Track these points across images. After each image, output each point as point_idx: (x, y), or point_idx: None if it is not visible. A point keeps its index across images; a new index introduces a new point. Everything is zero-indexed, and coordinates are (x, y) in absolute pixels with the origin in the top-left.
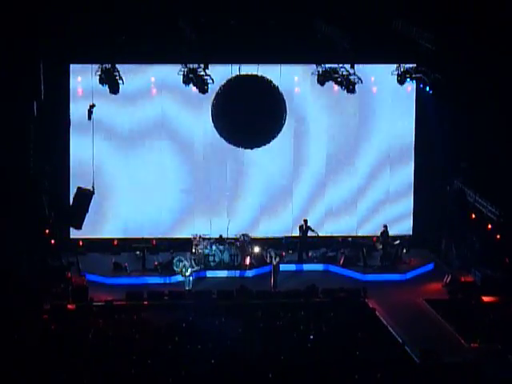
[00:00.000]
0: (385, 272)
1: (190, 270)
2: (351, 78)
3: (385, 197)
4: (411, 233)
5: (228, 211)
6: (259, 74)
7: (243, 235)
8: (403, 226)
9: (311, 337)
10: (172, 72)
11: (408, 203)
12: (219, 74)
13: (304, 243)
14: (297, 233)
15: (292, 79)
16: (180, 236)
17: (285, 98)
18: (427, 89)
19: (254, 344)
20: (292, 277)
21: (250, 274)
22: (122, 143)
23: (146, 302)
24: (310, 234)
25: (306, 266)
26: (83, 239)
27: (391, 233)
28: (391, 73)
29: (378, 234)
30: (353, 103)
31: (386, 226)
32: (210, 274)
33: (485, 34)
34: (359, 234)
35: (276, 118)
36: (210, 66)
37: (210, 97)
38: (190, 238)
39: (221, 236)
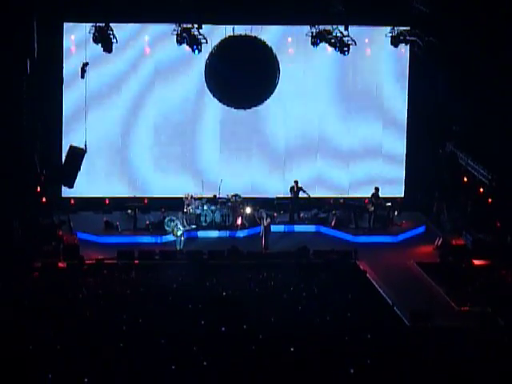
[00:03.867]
0: (376, 234)
1: (181, 229)
2: (345, 39)
3: (377, 159)
4: (403, 195)
5: (220, 171)
6: (253, 34)
7: (235, 195)
8: (395, 189)
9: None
10: (166, 31)
11: (400, 166)
12: (213, 34)
13: (295, 204)
14: (288, 194)
15: (285, 40)
16: (172, 195)
17: (278, 58)
18: (421, 52)
19: (244, 305)
20: (283, 238)
21: (241, 234)
22: (115, 101)
23: (136, 261)
24: (301, 194)
25: (298, 227)
26: (75, 198)
27: (383, 195)
28: (385, 35)
29: (370, 196)
30: (346, 65)
31: (377, 189)
32: (201, 234)
33: None
34: (351, 196)
35: (269, 78)
36: (203, 27)
37: (204, 57)
38: (181, 198)
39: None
